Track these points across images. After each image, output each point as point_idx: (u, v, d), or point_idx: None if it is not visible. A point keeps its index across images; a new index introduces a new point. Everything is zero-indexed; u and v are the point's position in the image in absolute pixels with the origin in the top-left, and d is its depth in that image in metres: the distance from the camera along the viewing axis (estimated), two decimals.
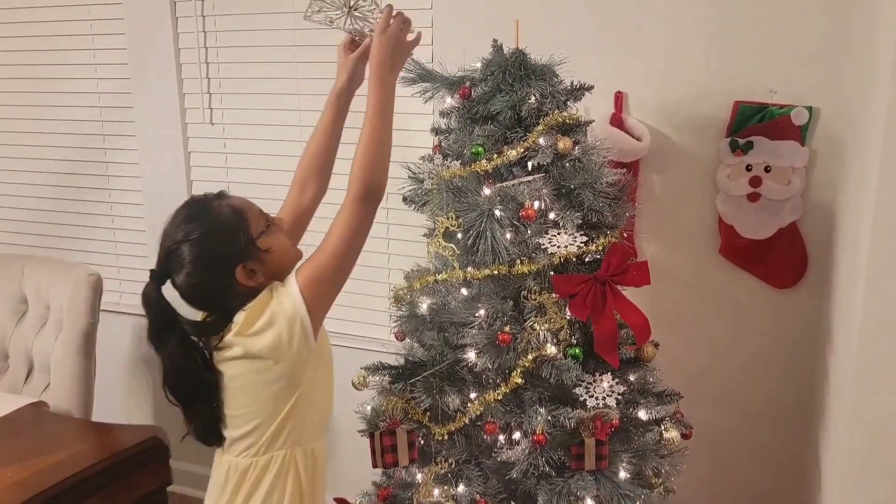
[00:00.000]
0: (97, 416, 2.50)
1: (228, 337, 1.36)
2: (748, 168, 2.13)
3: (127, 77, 2.90)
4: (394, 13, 1.45)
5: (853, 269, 1.60)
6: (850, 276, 1.65)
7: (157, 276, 1.38)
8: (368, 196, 1.35)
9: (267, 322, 1.32)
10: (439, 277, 1.71)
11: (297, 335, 1.32)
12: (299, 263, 1.42)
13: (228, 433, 1.45)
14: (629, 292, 1.74)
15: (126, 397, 3.26)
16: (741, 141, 2.11)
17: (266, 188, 2.74)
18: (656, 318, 1.84)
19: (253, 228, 1.37)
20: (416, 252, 2.29)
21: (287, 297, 1.33)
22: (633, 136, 2.19)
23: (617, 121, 2.23)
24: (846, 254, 1.86)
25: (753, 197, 2.13)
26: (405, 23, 1.45)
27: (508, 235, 1.65)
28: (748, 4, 2.05)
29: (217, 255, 1.34)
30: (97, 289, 2.51)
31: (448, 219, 1.66)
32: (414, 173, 1.81)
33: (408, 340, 1.88)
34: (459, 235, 1.67)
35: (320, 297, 1.35)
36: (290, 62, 2.65)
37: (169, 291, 1.41)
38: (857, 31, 1.92)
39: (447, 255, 1.68)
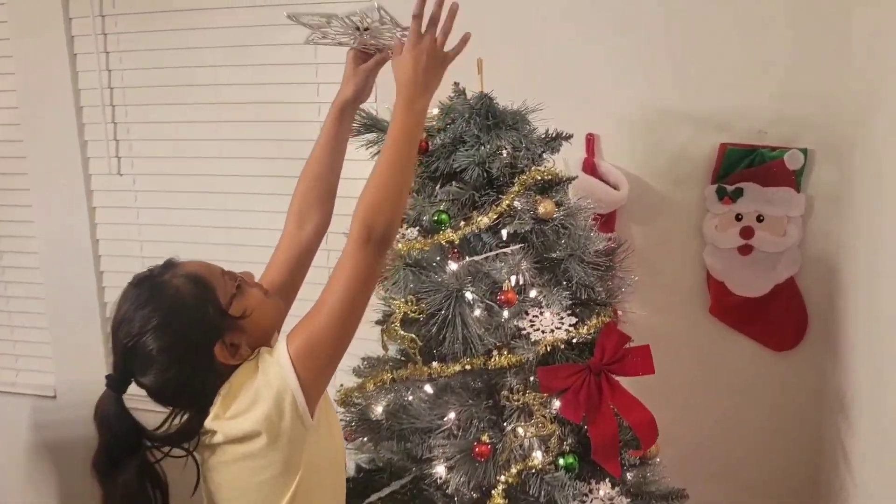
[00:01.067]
0: None
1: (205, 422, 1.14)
2: (738, 217, 1.90)
3: (17, 123, 2.49)
4: (424, 24, 1.20)
5: (868, 325, 1.40)
6: (865, 335, 1.45)
7: (118, 383, 1.15)
8: (375, 239, 1.12)
9: (250, 400, 1.11)
10: (397, 375, 1.38)
11: (287, 413, 1.10)
12: (285, 325, 1.22)
13: None
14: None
15: (25, 487, 2.80)
16: (729, 188, 1.88)
17: (187, 248, 2.37)
18: (641, 387, 1.58)
19: (221, 295, 1.15)
20: (368, 335, 1.97)
21: (274, 367, 1.11)
22: (608, 184, 1.93)
23: (590, 167, 1.97)
24: (854, 310, 1.68)
25: (745, 250, 1.90)
26: (443, 30, 1.21)
27: (482, 320, 1.34)
28: (733, 36, 1.83)
29: (188, 338, 1.12)
30: None
31: (407, 303, 1.34)
32: None
33: (362, 440, 1.54)
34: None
35: (316, 367, 1.12)
36: (211, 103, 2.31)
37: None
38: (857, 66, 1.72)
39: (406, 346, 1.36)
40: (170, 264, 1.18)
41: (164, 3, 2.28)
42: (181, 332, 1.12)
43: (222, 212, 2.37)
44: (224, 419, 1.12)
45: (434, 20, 1.20)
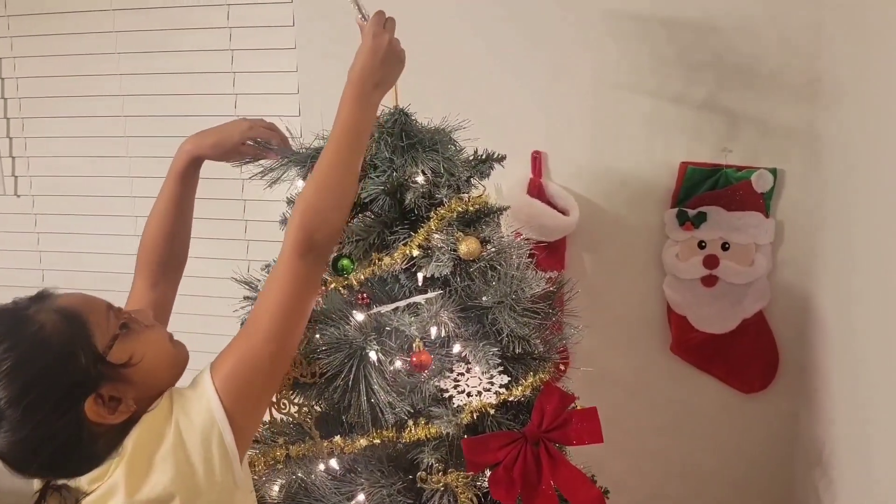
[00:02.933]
0: None
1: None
2: (701, 245, 1.71)
3: None
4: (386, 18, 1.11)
5: (847, 367, 1.29)
6: (843, 378, 1.33)
7: None
8: (316, 247, 1.00)
9: (163, 455, 0.91)
10: (293, 451, 1.14)
11: (215, 457, 0.91)
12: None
13: None
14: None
15: None
16: (691, 212, 1.70)
17: (95, 278, 2.17)
18: None
19: (98, 335, 0.93)
20: None
21: (195, 403, 0.94)
22: (556, 208, 1.73)
23: (536, 188, 1.76)
24: (830, 348, 1.52)
25: (709, 281, 1.71)
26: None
27: (393, 383, 1.11)
28: (692, 41, 1.63)
29: (48, 390, 0.89)
30: None
31: (296, 365, 1.10)
32: (254, 291, 1.24)
33: None
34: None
35: (248, 400, 0.95)
36: (117, 116, 2.06)
37: None
38: (833, 75, 1.52)
39: (300, 419, 1.13)
40: (41, 296, 0.96)
41: (63, 4, 2.02)
42: (39, 379, 0.89)
43: (132, 237, 2.11)
44: (134, 497, 0.90)
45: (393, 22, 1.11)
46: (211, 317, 2.02)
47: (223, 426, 0.92)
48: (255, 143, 1.25)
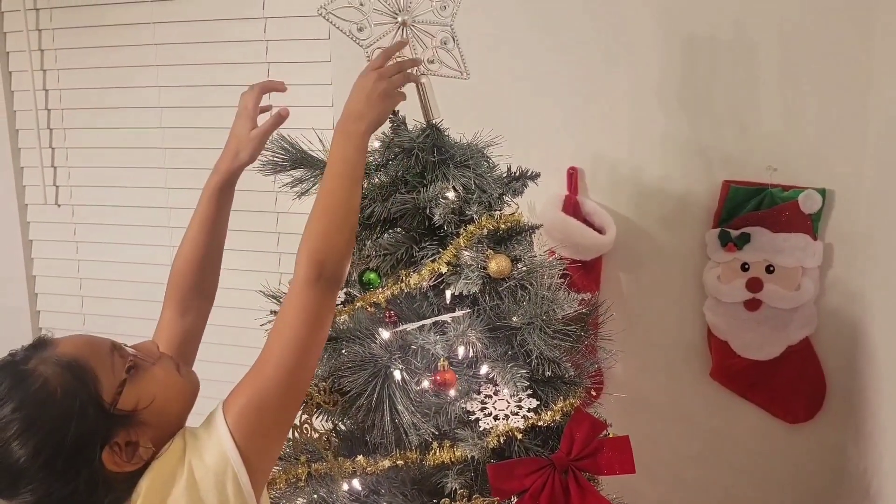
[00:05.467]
0: None
1: None
2: (745, 267, 1.64)
3: None
4: (397, 55, 1.15)
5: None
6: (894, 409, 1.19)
7: None
8: (326, 276, 0.98)
9: (177, 496, 0.89)
10: (315, 470, 1.11)
11: (231, 500, 0.89)
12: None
13: None
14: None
15: None
16: (734, 233, 1.64)
17: (129, 286, 2.19)
18: None
19: (105, 385, 0.90)
20: None
21: (207, 444, 0.91)
22: (593, 227, 1.68)
23: (571, 206, 1.71)
24: (880, 377, 1.45)
25: (752, 304, 1.65)
26: (404, 74, 1.14)
27: (417, 403, 1.07)
28: (734, 57, 1.57)
29: (60, 449, 0.86)
30: None
31: (320, 391, 1.07)
32: (280, 303, 1.22)
33: None
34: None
35: (261, 438, 0.93)
36: (156, 127, 2.09)
37: None
38: (884, 93, 1.46)
39: (318, 446, 1.10)
40: (39, 345, 0.92)
41: (105, 17, 2.07)
42: (51, 439, 0.87)
43: (167, 248, 2.13)
44: None
45: (399, 64, 1.14)
46: (241, 329, 2.01)
47: (237, 467, 0.90)
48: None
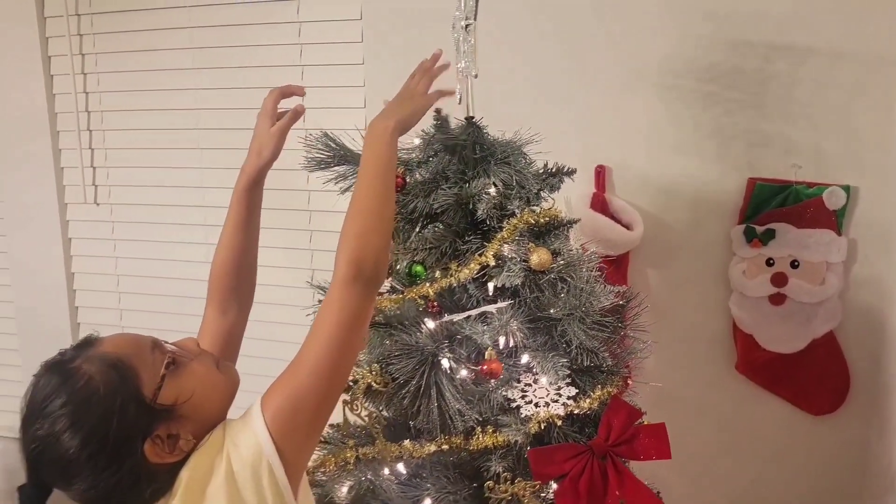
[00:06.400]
0: None
1: None
2: (769, 262, 1.68)
3: None
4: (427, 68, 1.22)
5: None
6: None
7: (32, 497, 0.97)
8: (365, 276, 0.98)
9: (216, 487, 0.93)
10: (362, 453, 1.16)
11: (267, 492, 0.92)
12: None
13: None
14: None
15: None
16: (759, 229, 1.68)
17: (166, 283, 2.25)
18: None
19: (146, 381, 0.95)
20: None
21: (246, 437, 0.94)
22: (621, 223, 1.73)
23: (599, 203, 1.76)
24: None
25: (777, 299, 1.69)
26: (429, 76, 1.21)
27: (462, 390, 1.12)
28: (763, 55, 1.61)
29: (105, 441, 0.91)
30: None
31: (372, 371, 1.12)
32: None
33: None
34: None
35: (297, 433, 0.95)
36: (192, 128, 2.15)
37: None
38: None
39: (369, 425, 1.15)
40: (85, 344, 0.97)
41: (144, 22, 2.13)
42: (97, 433, 0.92)
43: (205, 245, 2.19)
44: None
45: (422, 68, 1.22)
46: (276, 324, 2.08)
47: (273, 460, 0.93)
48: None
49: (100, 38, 2.18)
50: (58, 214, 2.32)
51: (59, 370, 0.93)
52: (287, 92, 1.25)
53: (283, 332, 2.09)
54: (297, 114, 1.22)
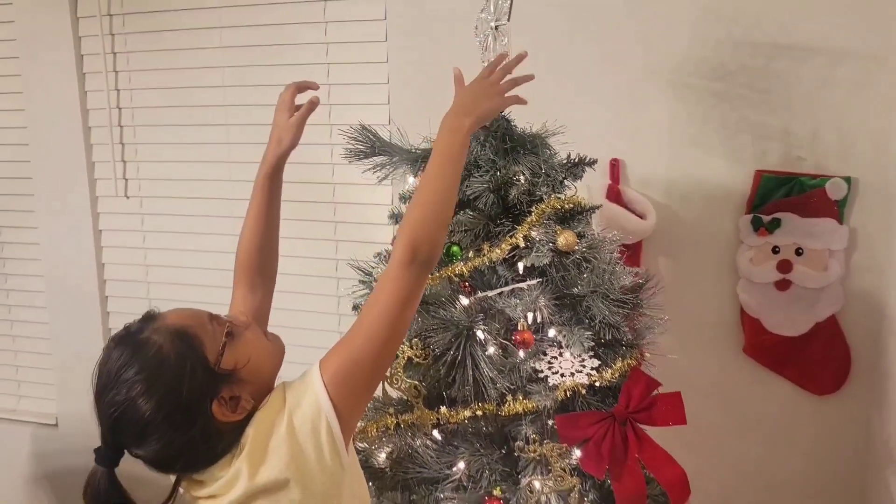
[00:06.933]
0: None
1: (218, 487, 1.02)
2: (775, 250, 1.77)
3: (25, 143, 2.43)
4: (503, 63, 1.24)
5: None
6: None
7: (108, 458, 1.03)
8: (420, 260, 1.05)
9: (277, 443, 1.01)
10: (402, 420, 1.26)
11: (325, 445, 1.00)
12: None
13: None
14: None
15: None
16: (766, 218, 1.76)
17: (193, 273, 2.35)
18: (666, 432, 1.43)
19: (210, 348, 1.04)
20: None
21: (306, 395, 1.02)
22: (634, 213, 1.81)
23: (614, 194, 1.85)
24: None
25: (783, 285, 1.77)
26: (505, 69, 1.23)
27: (495, 360, 1.22)
28: (768, 53, 1.71)
29: (179, 401, 1.01)
30: None
31: (412, 346, 1.22)
32: (367, 276, 1.37)
33: None
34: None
35: (352, 395, 1.03)
36: (220, 125, 2.24)
37: None
38: None
39: (409, 396, 1.24)
40: (149, 317, 1.06)
41: (175, 22, 2.22)
42: (170, 395, 1.01)
43: (231, 237, 2.27)
44: (254, 480, 1.01)
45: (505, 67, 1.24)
46: (301, 312, 2.17)
47: (330, 417, 1.00)
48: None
49: (131, 38, 2.27)
50: (89, 207, 2.40)
51: (129, 341, 1.02)
52: (303, 86, 1.34)
53: (307, 320, 2.19)
54: (313, 104, 1.30)
